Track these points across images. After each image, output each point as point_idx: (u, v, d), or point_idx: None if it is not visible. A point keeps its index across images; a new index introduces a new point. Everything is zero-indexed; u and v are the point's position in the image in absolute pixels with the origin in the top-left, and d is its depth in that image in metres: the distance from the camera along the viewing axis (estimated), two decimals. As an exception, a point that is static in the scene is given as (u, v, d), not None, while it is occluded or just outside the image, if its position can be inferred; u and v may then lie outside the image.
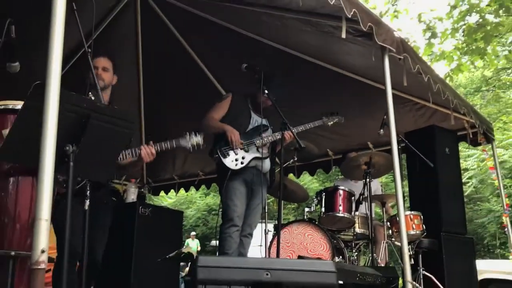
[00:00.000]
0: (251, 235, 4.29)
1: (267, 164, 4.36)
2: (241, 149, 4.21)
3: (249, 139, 4.28)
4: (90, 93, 2.59)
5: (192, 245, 13.20)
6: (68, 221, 2.15)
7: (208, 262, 2.61)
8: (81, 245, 2.41)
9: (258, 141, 4.29)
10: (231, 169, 4.15)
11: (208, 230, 15.84)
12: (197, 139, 3.66)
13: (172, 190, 8.17)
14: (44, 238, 1.94)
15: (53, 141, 2.01)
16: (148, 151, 3.41)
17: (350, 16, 3.69)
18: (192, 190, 8.63)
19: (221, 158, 4.18)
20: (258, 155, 4.25)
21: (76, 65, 5.38)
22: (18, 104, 2.39)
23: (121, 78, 5.67)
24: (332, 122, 4.79)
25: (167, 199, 14.62)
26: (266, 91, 4.06)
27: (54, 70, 2.07)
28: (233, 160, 4.18)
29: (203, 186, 7.90)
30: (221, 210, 4.19)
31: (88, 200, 2.47)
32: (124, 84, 6.03)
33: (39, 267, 1.92)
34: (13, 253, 2.18)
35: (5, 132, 2.29)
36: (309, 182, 12.63)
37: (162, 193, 8.39)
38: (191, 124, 6.45)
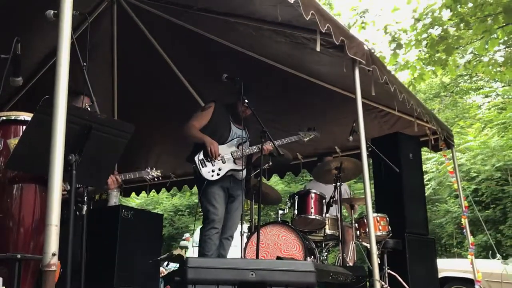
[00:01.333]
0: (231, 237, 4.50)
1: (241, 173, 4.57)
2: (218, 160, 4.40)
3: (227, 151, 4.49)
4: (86, 104, 2.74)
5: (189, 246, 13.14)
6: (71, 227, 2.30)
7: (197, 263, 2.81)
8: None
9: (235, 154, 4.51)
10: (206, 181, 4.34)
11: (174, 231, 15.91)
12: (156, 173, 4.68)
13: (143, 192, 8.25)
14: (54, 242, 2.09)
15: (62, 151, 2.16)
16: (113, 179, 4.04)
17: (324, 31, 3.92)
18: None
19: (199, 168, 4.37)
20: (235, 167, 4.49)
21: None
22: (21, 115, 2.53)
23: (95, 85, 5.77)
24: (308, 138, 4.96)
25: (135, 200, 14.62)
26: (246, 101, 4.26)
27: (62, 86, 2.22)
28: (210, 171, 4.38)
29: (174, 188, 8.03)
30: (201, 214, 4.37)
31: (86, 206, 2.61)
32: (99, 90, 6.14)
33: (50, 269, 2.07)
34: (19, 256, 2.31)
35: (11, 141, 2.42)
36: (275, 183, 12.87)
37: (132, 194, 8.46)
38: (165, 131, 6.63)
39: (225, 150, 4.51)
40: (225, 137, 4.56)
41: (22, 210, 2.42)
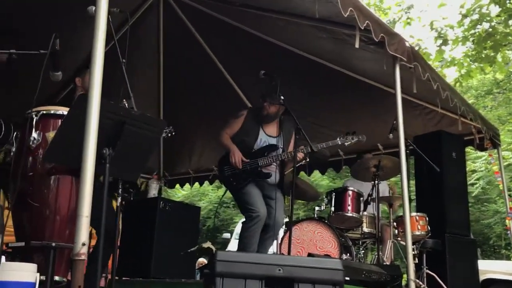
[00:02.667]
0: (275, 236, 4.50)
1: (272, 178, 4.48)
2: (242, 168, 4.39)
3: (254, 158, 4.42)
4: (124, 100, 2.83)
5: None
6: (104, 215, 2.39)
7: (226, 256, 2.85)
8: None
9: (261, 161, 4.41)
10: (229, 189, 4.44)
11: (219, 222, 16.09)
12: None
13: (187, 184, 8.42)
14: (85, 232, 2.20)
15: (94, 145, 2.26)
16: None
17: (363, 27, 3.89)
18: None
19: (222, 176, 4.43)
20: (258, 176, 4.41)
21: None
22: (60, 109, 2.64)
23: (141, 81, 5.91)
24: (349, 142, 4.73)
25: (181, 191, 14.87)
26: (282, 97, 4.27)
27: (96, 82, 2.31)
28: (232, 179, 4.41)
29: (217, 181, 8.15)
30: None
31: (120, 198, 2.71)
32: (144, 88, 6.31)
33: (80, 258, 2.18)
34: (54, 244, 2.43)
35: (49, 134, 2.54)
36: (320, 179, 12.81)
37: (177, 186, 8.65)
38: (210, 126, 6.74)
39: (252, 157, 4.44)
40: (252, 144, 4.49)
41: (58, 200, 2.54)
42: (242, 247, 4.36)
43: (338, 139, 4.65)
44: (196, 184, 8.60)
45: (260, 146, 4.50)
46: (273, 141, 4.52)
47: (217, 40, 5.81)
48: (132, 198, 4.58)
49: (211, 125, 6.75)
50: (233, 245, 9.74)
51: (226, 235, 11.58)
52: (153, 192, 5.01)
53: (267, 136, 4.56)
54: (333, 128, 6.31)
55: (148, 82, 6.47)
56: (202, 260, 7.76)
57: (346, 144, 4.70)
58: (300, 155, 4.31)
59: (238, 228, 7.09)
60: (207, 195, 16.50)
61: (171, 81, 6.52)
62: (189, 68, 6.15)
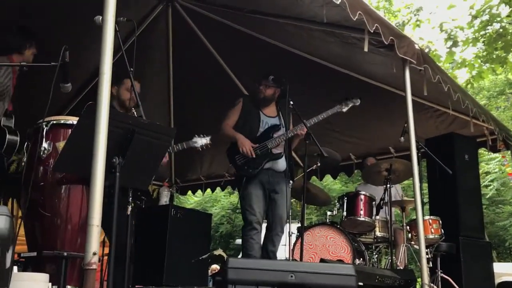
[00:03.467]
0: (281, 232, 4.46)
1: (281, 163, 4.48)
2: (253, 155, 4.39)
3: (261, 142, 4.44)
4: (133, 109, 2.84)
5: None
6: (114, 224, 2.39)
7: (237, 263, 2.84)
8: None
9: (270, 143, 4.44)
10: (246, 176, 4.37)
11: (232, 228, 16.10)
12: (205, 140, 4.52)
13: (199, 190, 8.43)
14: (95, 241, 2.20)
15: (104, 154, 2.26)
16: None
17: (372, 30, 3.88)
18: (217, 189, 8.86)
19: (235, 167, 4.41)
20: (271, 157, 4.43)
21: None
22: (70, 119, 2.66)
23: (151, 87, 5.93)
24: (346, 108, 4.76)
25: (193, 198, 14.90)
26: (291, 102, 4.27)
27: (104, 91, 2.32)
28: (247, 167, 4.40)
29: (228, 187, 8.16)
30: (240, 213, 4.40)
31: (130, 207, 2.72)
32: (155, 93, 6.34)
33: (91, 267, 2.18)
34: (65, 253, 2.44)
35: (59, 144, 2.55)
36: (332, 183, 12.76)
37: (189, 192, 8.66)
38: (219, 132, 6.74)
39: (259, 141, 4.45)
40: (255, 128, 4.53)
41: (69, 209, 2.55)
42: (243, 252, 4.40)
43: (336, 106, 4.72)
44: (208, 190, 8.62)
45: (263, 128, 4.53)
46: (273, 121, 4.56)
47: (226, 46, 5.82)
48: (143, 206, 4.59)
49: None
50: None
51: (239, 241, 11.56)
52: (164, 199, 5.02)
53: (267, 117, 4.60)
54: (345, 133, 6.30)
55: (158, 90, 6.49)
56: (215, 267, 7.75)
57: (343, 110, 4.74)
58: (301, 132, 4.34)
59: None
60: (219, 201, 16.52)
61: (181, 88, 6.54)
62: (198, 74, 6.17)
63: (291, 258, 4.62)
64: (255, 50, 5.56)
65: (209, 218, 5.12)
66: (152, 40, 5.74)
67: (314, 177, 7.19)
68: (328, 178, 8.86)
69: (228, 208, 16.33)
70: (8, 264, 1.67)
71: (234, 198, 16.46)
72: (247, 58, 5.89)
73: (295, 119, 4.60)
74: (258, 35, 5.32)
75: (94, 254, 2.17)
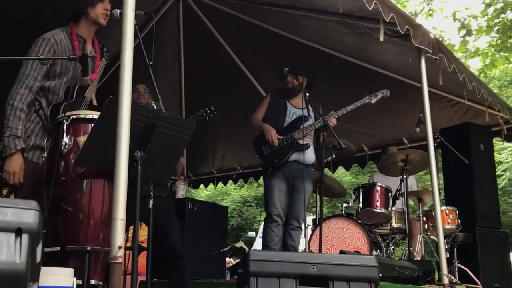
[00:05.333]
0: (299, 227, 4.44)
1: (309, 155, 4.45)
2: (279, 145, 4.39)
3: (288, 133, 4.42)
4: (152, 102, 2.83)
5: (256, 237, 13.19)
6: (137, 219, 2.39)
7: (259, 256, 2.83)
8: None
9: (297, 134, 4.42)
10: (271, 166, 4.35)
11: (243, 221, 16.13)
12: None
13: (211, 184, 8.43)
14: (120, 235, 2.20)
15: (127, 148, 2.26)
16: None
17: (388, 20, 3.85)
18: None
19: (261, 156, 4.40)
20: (297, 148, 4.40)
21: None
22: (89, 113, 2.65)
23: (163, 80, 5.93)
24: (375, 100, 4.65)
25: (204, 191, 14.93)
26: (307, 94, 4.25)
27: (126, 85, 2.31)
28: (272, 157, 4.38)
29: (240, 180, 8.16)
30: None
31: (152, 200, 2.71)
32: (166, 86, 6.32)
33: (117, 261, 2.18)
34: (89, 248, 2.43)
35: (80, 139, 2.55)
36: (342, 175, 12.74)
37: (201, 186, 8.67)
38: (231, 125, 6.74)
39: (286, 132, 4.43)
40: (283, 119, 4.51)
41: (91, 204, 2.54)
42: (263, 243, 4.39)
43: (365, 98, 4.61)
44: (220, 184, 8.61)
45: (291, 119, 4.51)
46: (301, 112, 4.51)
47: (237, 38, 5.80)
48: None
49: (233, 124, 6.76)
50: (258, 244, 9.74)
51: (251, 234, 11.57)
52: (181, 193, 5.02)
53: (295, 108, 4.58)
54: (358, 124, 6.26)
55: (170, 83, 6.48)
56: (229, 260, 7.76)
57: (372, 101, 4.64)
58: (333, 120, 4.31)
59: (262, 227, 7.06)
60: (229, 194, 16.56)
61: (192, 81, 6.53)
62: (210, 67, 6.15)
63: (308, 250, 4.61)
64: (266, 42, 5.54)
65: (225, 211, 5.12)
66: (163, 33, 5.72)
67: (326, 169, 7.16)
68: (339, 170, 8.82)
69: (238, 202, 16.37)
70: (38, 258, 1.66)
71: (245, 191, 16.50)
72: (258, 50, 5.88)
73: (325, 111, 4.53)
74: (269, 26, 5.30)
75: (120, 248, 2.17)
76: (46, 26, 2.99)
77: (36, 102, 2.88)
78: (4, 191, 7.16)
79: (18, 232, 1.57)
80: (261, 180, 8.51)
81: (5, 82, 2.88)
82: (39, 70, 2.81)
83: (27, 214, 1.61)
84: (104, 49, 2.92)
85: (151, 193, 2.69)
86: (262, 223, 4.65)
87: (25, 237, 1.58)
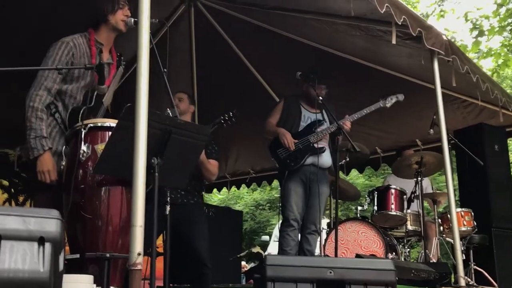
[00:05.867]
0: (316, 232, 4.44)
1: (325, 158, 4.47)
2: (295, 149, 4.40)
3: (303, 137, 4.44)
4: (168, 109, 2.86)
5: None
6: (155, 226, 2.41)
7: (276, 261, 2.84)
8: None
9: (312, 138, 4.43)
10: (288, 170, 4.36)
11: (256, 225, 16.12)
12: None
13: (224, 188, 8.45)
14: (140, 242, 2.21)
15: (144, 155, 2.29)
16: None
17: (400, 23, 3.85)
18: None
19: (277, 160, 4.41)
20: (313, 151, 4.41)
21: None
22: (106, 121, 2.68)
23: (175, 86, 5.97)
24: (390, 103, 4.65)
25: (217, 195, 14.96)
26: (321, 98, 4.26)
27: (142, 93, 2.34)
28: (289, 160, 4.39)
29: (254, 184, 8.18)
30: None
31: (169, 206, 2.74)
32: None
33: (137, 268, 2.20)
34: (108, 255, 2.46)
35: (97, 147, 2.58)
36: (355, 177, 12.70)
37: (214, 190, 8.69)
38: (243, 129, 6.76)
39: (301, 136, 4.45)
40: (297, 122, 4.53)
41: (110, 211, 2.57)
42: (280, 248, 4.40)
43: (380, 102, 4.61)
44: (233, 187, 8.63)
45: (306, 123, 4.52)
46: (315, 116, 4.52)
47: (248, 43, 5.82)
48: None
49: (246, 128, 6.77)
50: (272, 248, 9.73)
51: (265, 237, 11.58)
52: (195, 198, 5.04)
53: (309, 112, 4.60)
54: (372, 126, 6.25)
55: (182, 88, 6.50)
56: (244, 264, 7.78)
57: (387, 105, 4.64)
58: (347, 124, 4.32)
59: (276, 231, 7.07)
60: (242, 198, 16.56)
61: (204, 86, 6.55)
62: (221, 72, 6.17)
63: (323, 253, 4.61)
64: (278, 46, 5.55)
65: (240, 216, 5.14)
66: (175, 39, 5.75)
67: (340, 172, 7.15)
68: (352, 172, 8.80)
69: (251, 205, 16.36)
70: (61, 267, 1.69)
71: (257, 195, 16.49)
72: (269, 55, 5.89)
73: (339, 115, 4.55)
74: (280, 31, 5.32)
75: (139, 254, 2.19)
76: (66, 33, 3.03)
77: (52, 105, 2.90)
78: (21, 198, 7.25)
79: (41, 241, 1.59)
80: (274, 183, 8.54)
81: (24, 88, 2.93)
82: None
83: (49, 223, 1.63)
84: (122, 57, 2.95)
85: (168, 199, 2.70)
86: (276, 227, 4.67)
87: (47, 246, 1.60)
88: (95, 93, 2.85)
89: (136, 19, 2.62)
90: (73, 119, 2.79)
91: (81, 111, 2.78)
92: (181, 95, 4.37)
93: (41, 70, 2.84)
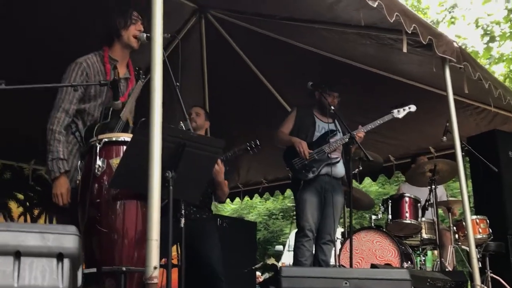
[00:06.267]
0: (331, 241, 4.45)
1: (339, 168, 4.48)
2: (310, 158, 4.39)
3: (318, 147, 4.45)
4: (181, 122, 2.89)
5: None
6: (170, 239, 2.42)
7: (291, 272, 2.85)
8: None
9: (327, 148, 4.44)
10: (303, 180, 4.36)
11: (269, 234, 16.09)
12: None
13: (237, 198, 8.46)
14: (156, 256, 2.23)
15: (159, 169, 2.31)
16: (219, 167, 3.92)
17: (410, 31, 3.85)
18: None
19: (293, 170, 4.41)
20: (328, 161, 4.42)
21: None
22: (121, 136, 2.70)
23: (186, 98, 6.02)
24: (403, 114, 4.68)
25: (230, 205, 14.98)
26: (333, 108, 4.27)
27: (156, 108, 2.36)
28: (304, 170, 4.39)
29: (266, 193, 8.18)
30: (295, 218, 4.40)
31: (183, 218, 2.75)
32: (190, 104, 6.38)
33: (153, 281, 2.21)
34: (124, 268, 2.48)
35: (112, 161, 2.60)
36: (368, 185, 12.65)
37: (227, 200, 8.71)
38: (255, 139, 6.76)
39: (316, 146, 4.45)
40: (312, 132, 4.55)
41: (125, 225, 2.58)
42: (295, 258, 4.38)
43: (393, 112, 4.63)
44: (246, 198, 8.64)
45: (320, 133, 4.54)
46: (330, 126, 4.55)
47: (259, 53, 5.84)
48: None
49: (258, 138, 6.77)
50: (286, 258, 9.70)
51: (279, 247, 11.54)
52: (209, 209, 5.06)
53: (323, 122, 4.61)
54: (384, 134, 6.24)
55: (193, 100, 6.53)
56: (258, 274, 7.78)
57: (400, 116, 4.66)
58: (360, 134, 4.33)
59: (290, 240, 7.06)
60: (255, 207, 16.55)
61: (216, 98, 6.57)
62: (232, 82, 6.20)
63: (338, 263, 4.60)
64: (288, 56, 5.56)
65: (254, 226, 5.14)
66: (186, 51, 5.78)
67: (353, 180, 7.13)
68: (365, 180, 8.77)
69: (264, 215, 16.35)
70: (79, 282, 1.71)
71: (270, 204, 16.48)
72: (280, 65, 5.91)
73: (351, 123, 4.57)
74: (290, 41, 5.33)
75: (155, 268, 2.21)
76: (81, 52, 3.09)
77: (73, 124, 3.00)
78: (36, 211, 7.30)
79: (60, 257, 1.61)
80: (286, 192, 8.53)
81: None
82: (74, 93, 2.94)
83: (67, 239, 1.65)
84: (140, 71, 2.99)
85: (182, 212, 2.72)
86: (290, 236, 4.67)
87: (66, 262, 1.62)
88: (111, 109, 2.89)
89: (148, 35, 2.65)
90: (88, 135, 2.84)
91: (96, 127, 2.83)
92: (199, 110, 4.42)
93: (59, 93, 2.94)
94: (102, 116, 2.89)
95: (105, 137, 2.67)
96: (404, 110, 4.64)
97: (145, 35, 2.91)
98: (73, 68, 2.96)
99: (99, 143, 2.61)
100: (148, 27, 2.65)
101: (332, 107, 4.29)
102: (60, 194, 2.84)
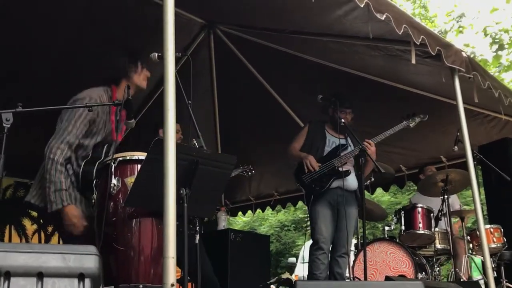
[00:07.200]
0: (346, 254, 4.45)
1: (350, 181, 4.48)
2: (319, 172, 4.42)
3: (328, 161, 4.48)
4: (194, 140, 2.92)
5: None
6: (186, 257, 2.45)
7: (306, 286, 2.86)
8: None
9: (337, 161, 4.46)
10: (313, 194, 4.38)
11: (281, 246, 16.05)
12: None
13: (249, 211, 8.47)
14: (172, 273, 2.24)
15: (174, 187, 2.33)
16: None
17: (418, 43, 3.87)
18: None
19: (303, 185, 4.43)
20: (338, 175, 4.43)
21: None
22: (135, 155, 2.74)
23: (197, 114, 6.08)
24: (414, 123, 4.72)
25: (242, 218, 14.98)
26: (343, 121, 4.29)
27: (170, 127, 2.39)
28: (314, 185, 4.41)
29: (278, 205, 8.19)
30: (307, 229, 4.41)
31: (198, 235, 2.77)
32: (200, 120, 6.42)
33: (170, 298, 2.23)
34: (141, 286, 2.51)
35: (127, 180, 2.64)
36: (380, 195, 12.61)
37: (239, 213, 8.73)
38: (267, 152, 6.79)
39: (326, 160, 4.48)
40: (322, 147, 4.57)
41: (141, 242, 2.62)
42: (309, 272, 4.38)
43: (403, 122, 4.66)
44: (258, 210, 8.65)
45: (330, 147, 4.56)
46: (340, 141, 4.56)
47: (269, 67, 5.88)
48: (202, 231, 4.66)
49: (268, 151, 6.82)
50: (299, 270, 9.66)
51: (292, 259, 11.51)
52: (222, 224, 5.08)
53: (334, 137, 4.63)
54: (395, 145, 6.24)
55: (203, 116, 6.58)
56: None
57: (411, 125, 4.69)
58: (371, 147, 4.35)
59: (303, 252, 7.05)
60: (267, 219, 16.53)
61: (226, 113, 6.63)
62: (243, 97, 6.25)
63: (352, 275, 4.59)
64: (297, 69, 5.60)
65: (267, 240, 5.15)
66: (196, 67, 5.79)
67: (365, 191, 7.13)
68: (377, 190, 8.75)
69: (276, 227, 16.31)
70: (100, 301, 1.74)
71: (282, 216, 16.44)
72: (290, 78, 5.94)
73: (362, 134, 4.60)
74: (300, 54, 5.36)
75: (172, 286, 2.23)
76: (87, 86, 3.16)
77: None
78: (49, 229, 7.34)
79: (81, 277, 1.64)
80: (298, 204, 8.54)
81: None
82: (82, 129, 2.94)
83: (88, 259, 1.69)
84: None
85: (197, 228, 2.74)
86: (303, 248, 4.67)
87: (87, 281, 1.65)
88: (112, 147, 2.90)
89: (160, 54, 2.69)
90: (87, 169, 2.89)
91: (109, 145, 2.87)
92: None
93: (64, 123, 2.93)
94: (103, 155, 2.90)
95: (120, 156, 2.72)
96: (415, 119, 4.67)
97: (156, 54, 2.94)
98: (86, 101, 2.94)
99: (114, 162, 2.66)
100: (159, 47, 2.68)
101: (343, 121, 4.30)
102: (73, 224, 2.84)
